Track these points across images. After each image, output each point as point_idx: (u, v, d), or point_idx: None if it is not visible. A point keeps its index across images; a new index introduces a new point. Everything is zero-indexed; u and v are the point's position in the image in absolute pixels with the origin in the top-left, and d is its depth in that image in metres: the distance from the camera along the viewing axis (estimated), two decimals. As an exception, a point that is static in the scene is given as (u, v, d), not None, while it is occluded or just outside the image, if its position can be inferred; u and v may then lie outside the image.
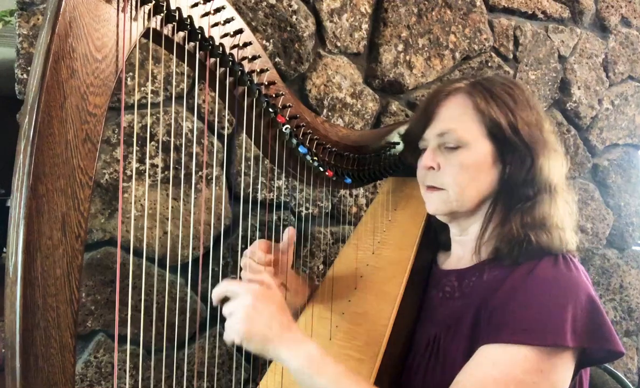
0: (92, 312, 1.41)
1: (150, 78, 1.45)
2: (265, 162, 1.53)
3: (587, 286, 0.80)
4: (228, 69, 0.85)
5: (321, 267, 1.63)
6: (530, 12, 1.95)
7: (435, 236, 1.05)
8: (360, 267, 1.05)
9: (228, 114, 1.04)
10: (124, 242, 1.43)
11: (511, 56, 1.92)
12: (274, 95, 0.92)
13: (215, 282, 0.81)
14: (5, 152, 2.37)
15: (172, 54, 0.76)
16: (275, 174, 1.56)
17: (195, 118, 1.48)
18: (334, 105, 1.65)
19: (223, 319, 0.76)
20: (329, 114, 1.64)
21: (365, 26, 1.70)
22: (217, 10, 0.79)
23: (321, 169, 1.01)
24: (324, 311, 0.99)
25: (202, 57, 0.80)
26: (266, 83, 0.90)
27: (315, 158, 1.00)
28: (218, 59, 0.82)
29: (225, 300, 0.78)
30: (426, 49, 1.77)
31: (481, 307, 0.82)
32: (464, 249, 0.95)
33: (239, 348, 1.49)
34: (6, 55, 4.94)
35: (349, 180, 1.08)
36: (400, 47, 1.73)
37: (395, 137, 1.12)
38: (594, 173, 2.12)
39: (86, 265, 1.39)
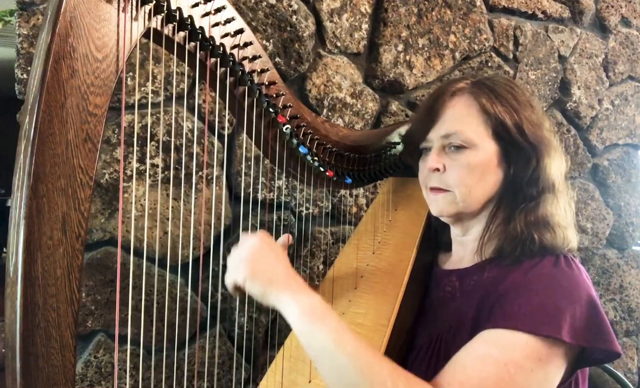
0: (93, 312, 1.41)
1: (150, 78, 1.45)
2: (266, 162, 1.53)
3: (588, 286, 0.80)
4: (228, 69, 0.85)
5: (321, 267, 1.63)
6: (530, 12, 1.95)
7: (435, 236, 1.05)
8: (360, 267, 1.05)
9: (228, 114, 1.04)
10: (124, 242, 1.43)
11: (511, 56, 1.92)
12: (274, 95, 0.92)
13: (215, 282, 0.81)
14: (6, 152, 2.37)
15: (173, 54, 0.76)
16: (276, 174, 1.56)
17: (195, 118, 1.48)
18: (334, 105, 1.65)
19: (223, 319, 0.76)
20: (329, 114, 1.64)
21: (365, 26, 1.70)
22: (218, 10, 0.79)
23: (321, 169, 1.02)
24: None
25: (203, 57, 0.80)
26: (267, 83, 0.90)
27: (316, 158, 1.00)
28: (218, 59, 0.82)
29: (240, 290, 0.77)
30: (426, 49, 1.77)
31: (482, 302, 0.82)
32: (465, 249, 0.95)
33: (239, 349, 1.50)
34: (6, 55, 4.93)
35: (349, 180, 1.08)
36: (400, 47, 1.73)
37: (395, 137, 1.12)
38: (594, 173, 2.12)
39: (86, 265, 1.39)
